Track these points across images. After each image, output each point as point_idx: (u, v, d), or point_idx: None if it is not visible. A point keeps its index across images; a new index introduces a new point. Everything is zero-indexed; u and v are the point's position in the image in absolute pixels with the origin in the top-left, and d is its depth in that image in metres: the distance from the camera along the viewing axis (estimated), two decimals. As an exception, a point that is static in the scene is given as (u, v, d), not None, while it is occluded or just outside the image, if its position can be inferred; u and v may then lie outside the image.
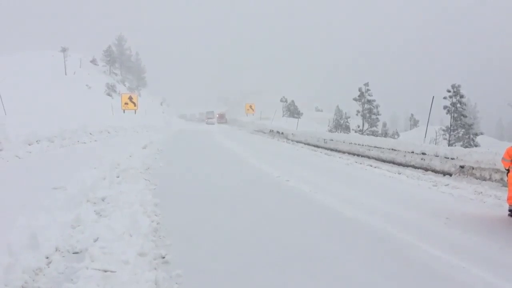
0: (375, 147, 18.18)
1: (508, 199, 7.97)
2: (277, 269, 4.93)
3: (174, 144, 24.60)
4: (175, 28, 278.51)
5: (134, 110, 44.50)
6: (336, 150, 21.81)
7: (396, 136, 51.12)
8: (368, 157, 18.21)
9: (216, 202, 8.66)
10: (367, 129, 48.48)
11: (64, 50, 65.95)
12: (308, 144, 26.29)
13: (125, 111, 43.68)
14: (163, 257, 5.14)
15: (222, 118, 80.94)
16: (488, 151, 12.86)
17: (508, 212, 7.94)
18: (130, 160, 13.40)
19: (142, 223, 6.24)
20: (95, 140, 21.01)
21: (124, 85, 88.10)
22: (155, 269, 4.77)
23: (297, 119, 54.12)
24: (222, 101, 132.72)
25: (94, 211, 6.93)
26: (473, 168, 12.28)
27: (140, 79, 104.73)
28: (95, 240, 5.46)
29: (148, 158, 15.10)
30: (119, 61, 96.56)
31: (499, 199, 9.30)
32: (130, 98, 45.45)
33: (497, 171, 11.29)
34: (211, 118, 78.58)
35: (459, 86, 38.72)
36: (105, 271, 4.41)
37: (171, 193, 9.28)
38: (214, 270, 4.88)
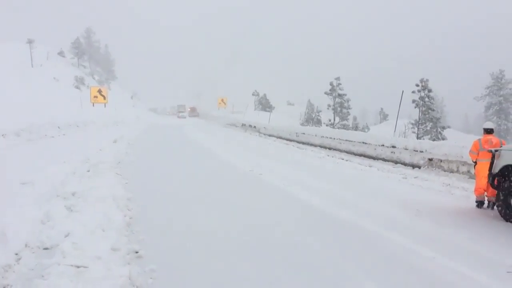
0: (346, 140, 18.41)
1: (475, 190, 8.22)
2: (250, 262, 4.95)
3: (145, 138, 24.30)
4: (142, 21, 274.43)
5: (103, 104, 43.77)
6: (308, 144, 21.99)
7: (366, 130, 51.94)
8: (340, 151, 18.44)
9: (188, 195, 8.61)
10: (338, 122, 49.11)
11: (30, 41, 64.20)
12: (281, 138, 26.41)
13: (95, 104, 42.91)
14: (137, 252, 5.07)
15: (193, 112, 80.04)
16: (455, 144, 13.21)
17: (476, 203, 8.19)
18: (101, 154, 13.16)
19: (115, 218, 6.14)
20: (64, 134, 20.59)
21: (93, 78, 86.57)
22: (129, 264, 4.70)
23: (269, 113, 54.32)
24: (194, 95, 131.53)
25: (65, 206, 6.75)
26: (441, 161, 12.60)
27: (110, 72, 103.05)
28: (66, 236, 5.33)
29: (119, 152, 14.85)
30: (88, 53, 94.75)
31: (466, 191, 9.59)
32: (100, 91, 44.67)
33: (464, 163, 11.61)
34: (182, 112, 77.70)
35: (427, 80, 39.57)
36: (78, 266, 4.33)
37: (143, 188, 9.15)
38: (187, 264, 4.85)
